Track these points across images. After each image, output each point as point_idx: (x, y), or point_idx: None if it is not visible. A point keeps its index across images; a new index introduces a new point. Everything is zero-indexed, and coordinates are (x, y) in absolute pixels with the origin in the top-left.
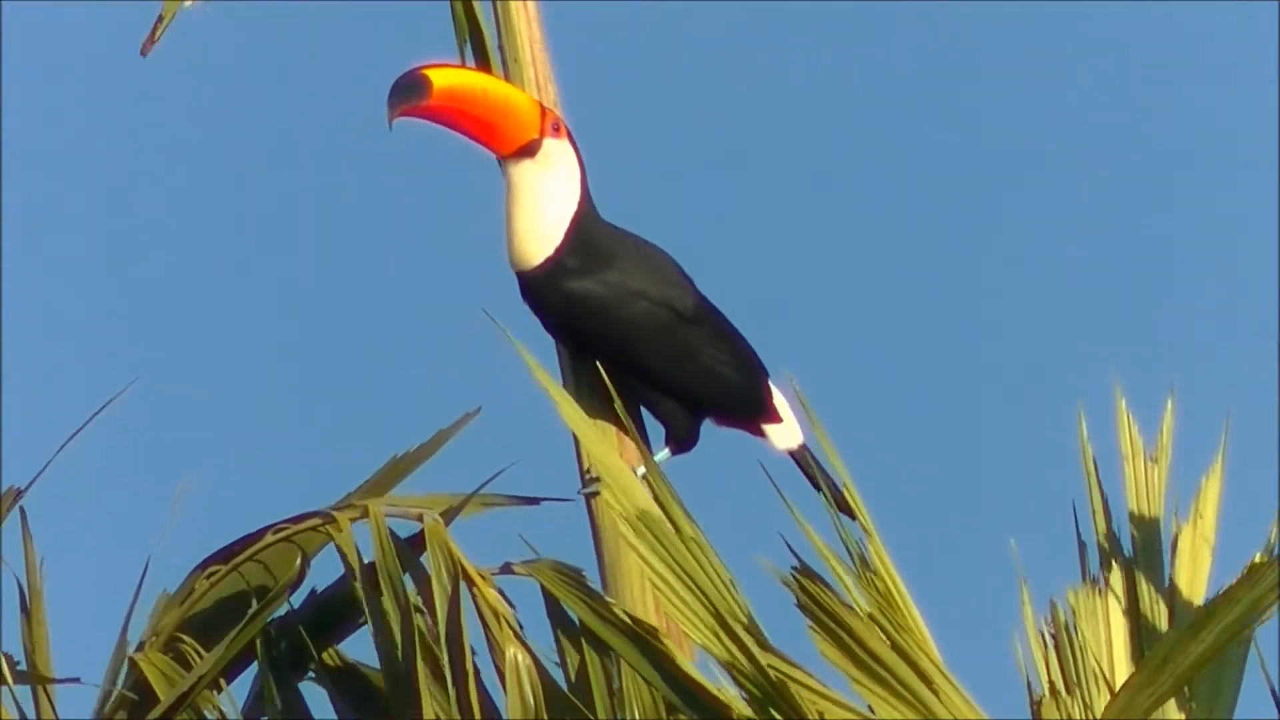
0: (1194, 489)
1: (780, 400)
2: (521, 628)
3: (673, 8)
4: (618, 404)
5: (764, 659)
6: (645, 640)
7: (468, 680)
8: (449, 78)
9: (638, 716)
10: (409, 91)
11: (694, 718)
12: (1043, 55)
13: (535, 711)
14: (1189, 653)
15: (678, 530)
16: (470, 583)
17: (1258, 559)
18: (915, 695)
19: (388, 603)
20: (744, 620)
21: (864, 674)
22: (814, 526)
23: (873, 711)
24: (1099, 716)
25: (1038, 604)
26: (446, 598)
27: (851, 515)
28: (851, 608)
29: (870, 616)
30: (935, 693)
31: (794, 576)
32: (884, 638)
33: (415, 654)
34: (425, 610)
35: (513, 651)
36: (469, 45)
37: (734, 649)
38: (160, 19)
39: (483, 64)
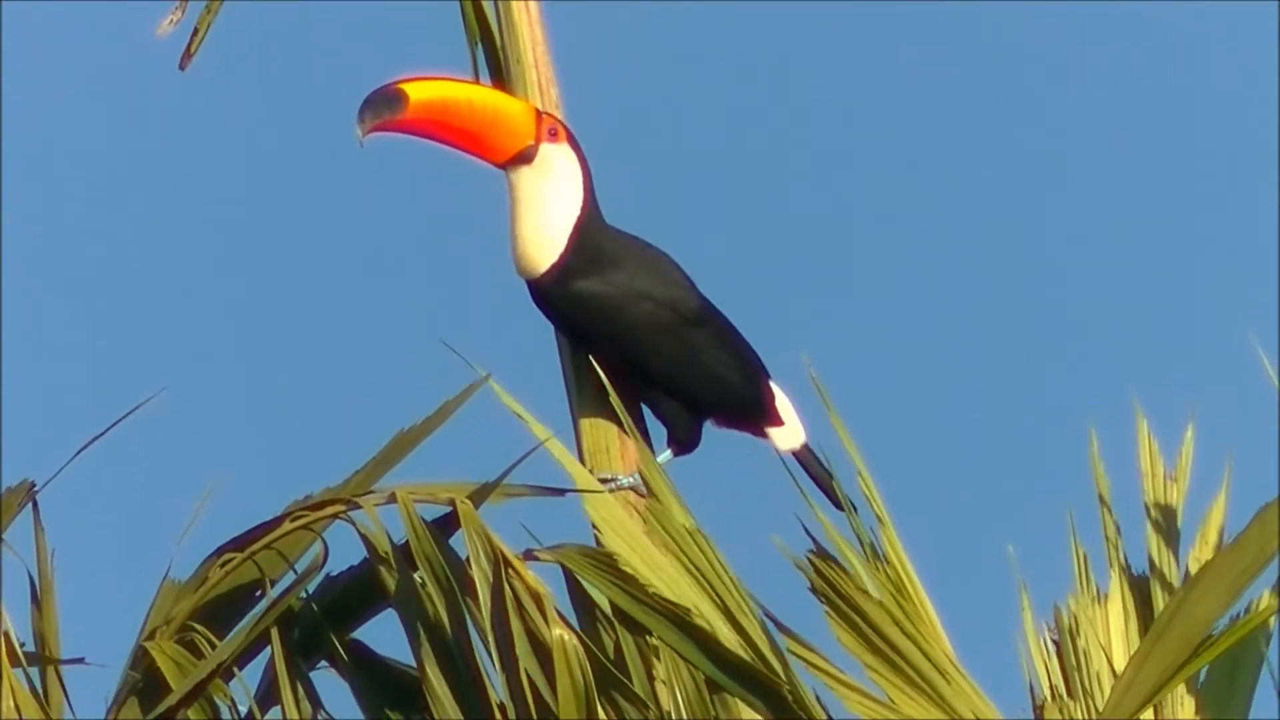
0: (1205, 509)
1: (782, 401)
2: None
3: (674, 8)
4: (616, 403)
5: (784, 642)
6: (683, 621)
7: (518, 666)
8: (426, 91)
9: (680, 699)
10: (381, 106)
11: (743, 694)
12: (1072, 65)
13: (586, 692)
14: (1196, 611)
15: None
16: (509, 566)
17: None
18: (929, 683)
19: (431, 587)
20: (751, 610)
21: (879, 660)
22: (824, 521)
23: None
24: (1109, 696)
25: (1042, 610)
26: (488, 583)
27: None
28: (867, 593)
29: (881, 605)
30: (948, 681)
31: (809, 560)
32: (897, 625)
33: (468, 639)
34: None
35: (559, 633)
36: (480, 48)
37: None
38: (196, 31)
39: (494, 66)
